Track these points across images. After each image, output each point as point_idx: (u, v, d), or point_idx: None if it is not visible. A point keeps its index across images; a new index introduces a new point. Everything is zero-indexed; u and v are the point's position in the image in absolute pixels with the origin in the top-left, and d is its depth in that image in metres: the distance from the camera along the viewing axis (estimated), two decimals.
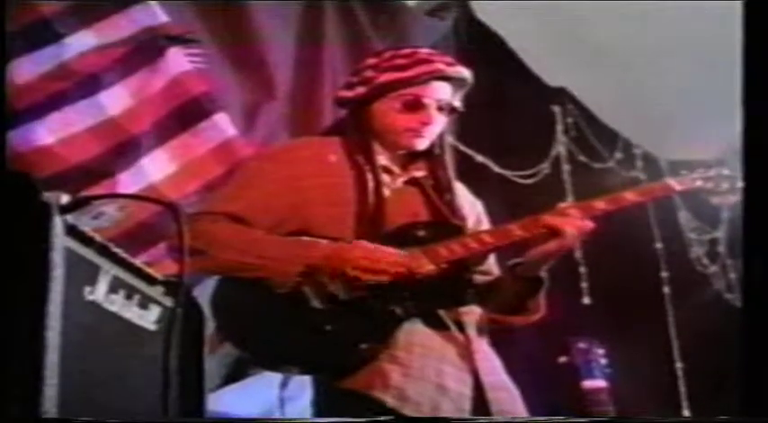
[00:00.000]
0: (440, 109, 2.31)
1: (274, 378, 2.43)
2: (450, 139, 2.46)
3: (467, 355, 2.18)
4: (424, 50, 2.38)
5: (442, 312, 2.20)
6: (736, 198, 2.23)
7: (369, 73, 2.34)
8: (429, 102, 2.29)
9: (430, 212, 2.31)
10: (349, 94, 2.37)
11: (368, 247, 2.12)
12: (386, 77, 2.30)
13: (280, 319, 2.09)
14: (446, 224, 2.27)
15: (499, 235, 2.21)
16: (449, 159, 2.40)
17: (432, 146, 2.36)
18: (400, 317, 2.11)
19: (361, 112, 2.34)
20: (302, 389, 2.27)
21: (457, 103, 2.36)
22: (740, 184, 2.22)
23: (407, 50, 2.37)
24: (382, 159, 2.31)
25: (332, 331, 2.07)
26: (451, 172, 2.38)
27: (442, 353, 2.16)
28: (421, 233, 2.20)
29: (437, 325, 2.19)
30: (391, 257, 2.11)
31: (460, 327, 2.22)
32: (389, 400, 2.04)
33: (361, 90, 2.34)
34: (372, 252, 2.11)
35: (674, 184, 2.27)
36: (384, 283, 2.09)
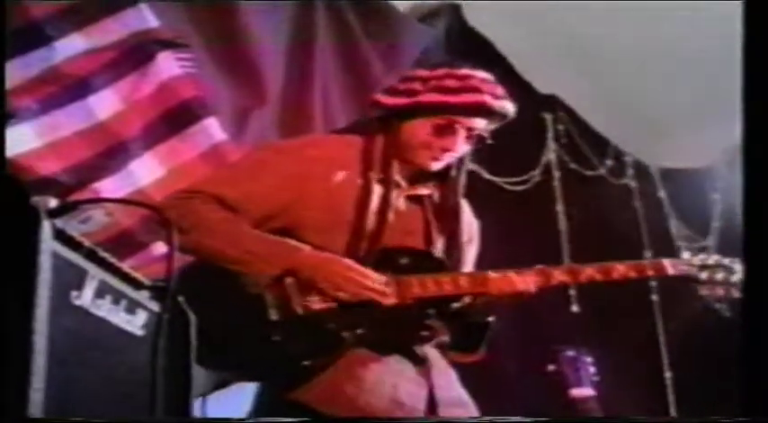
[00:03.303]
0: (468, 138, 2.26)
1: None
2: (469, 164, 2.40)
3: (424, 370, 2.17)
4: (479, 76, 2.26)
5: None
6: (723, 292, 2.20)
7: (416, 85, 2.25)
8: (461, 129, 2.23)
9: (424, 234, 2.28)
10: (388, 100, 2.29)
11: (347, 265, 2.11)
12: (431, 98, 2.22)
13: (235, 323, 2.09)
14: (430, 257, 2.24)
15: (475, 282, 2.18)
16: (462, 183, 2.35)
17: (448, 167, 2.31)
18: (349, 343, 2.10)
19: (391, 122, 2.28)
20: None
21: (485, 134, 2.29)
22: (735, 277, 2.22)
23: (463, 72, 2.25)
24: (394, 172, 2.25)
25: (280, 342, 2.06)
26: (461, 197, 2.35)
27: (400, 367, 2.15)
28: (403, 261, 2.18)
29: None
30: (365, 281, 2.09)
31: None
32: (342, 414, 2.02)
33: (401, 100, 2.26)
34: (350, 271, 2.10)
35: (668, 266, 2.29)
36: (347, 303, 2.08)
